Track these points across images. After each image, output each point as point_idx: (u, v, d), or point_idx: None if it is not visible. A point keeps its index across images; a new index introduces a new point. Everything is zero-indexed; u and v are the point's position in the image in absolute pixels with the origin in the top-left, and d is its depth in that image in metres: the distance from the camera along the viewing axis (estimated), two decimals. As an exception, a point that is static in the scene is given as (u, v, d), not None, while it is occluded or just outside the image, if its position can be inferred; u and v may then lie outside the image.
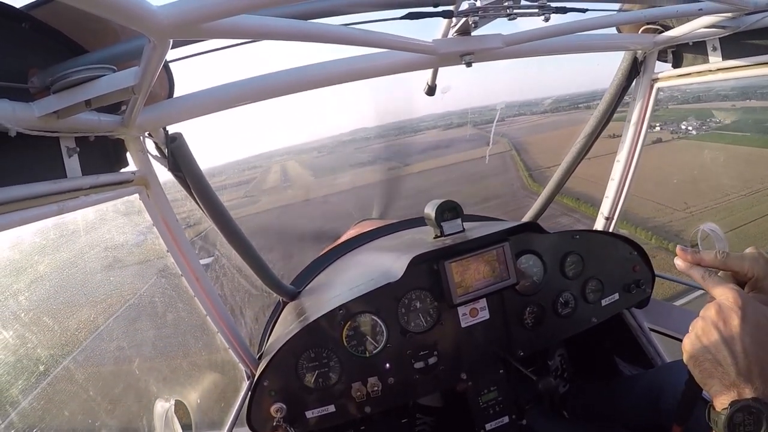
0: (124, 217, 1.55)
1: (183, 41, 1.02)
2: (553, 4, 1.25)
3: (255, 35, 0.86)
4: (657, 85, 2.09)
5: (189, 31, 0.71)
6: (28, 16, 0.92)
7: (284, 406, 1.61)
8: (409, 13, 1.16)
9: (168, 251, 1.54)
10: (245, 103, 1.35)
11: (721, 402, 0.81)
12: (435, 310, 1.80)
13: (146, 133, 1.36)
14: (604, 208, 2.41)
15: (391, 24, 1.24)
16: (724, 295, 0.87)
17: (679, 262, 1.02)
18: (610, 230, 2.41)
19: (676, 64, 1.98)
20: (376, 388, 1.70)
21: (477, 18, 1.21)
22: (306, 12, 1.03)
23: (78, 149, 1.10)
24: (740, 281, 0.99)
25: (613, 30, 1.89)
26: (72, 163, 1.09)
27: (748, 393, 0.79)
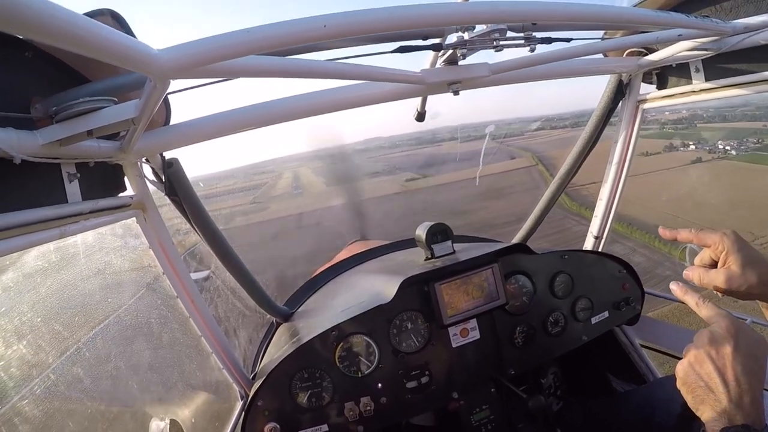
0: (120, 239, 1.57)
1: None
2: (539, 35, 1.29)
3: (251, 74, 0.90)
4: (643, 106, 2.13)
5: (187, 72, 0.75)
6: (31, 45, 0.95)
7: (278, 425, 1.62)
8: (400, 47, 1.21)
9: (164, 273, 1.56)
10: (240, 131, 1.38)
11: (713, 428, 0.83)
12: (426, 331, 1.82)
13: (143, 159, 1.40)
14: (593, 228, 2.44)
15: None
16: (717, 323, 0.89)
17: (674, 287, 1.05)
18: (600, 249, 2.44)
19: (661, 86, 2.02)
20: (368, 408, 1.71)
21: (465, 50, 1.26)
22: (298, 49, 1.07)
23: (78, 175, 1.13)
24: (715, 261, 1.05)
25: (598, 54, 1.94)
26: (72, 188, 1.12)
27: (738, 420, 0.81)
